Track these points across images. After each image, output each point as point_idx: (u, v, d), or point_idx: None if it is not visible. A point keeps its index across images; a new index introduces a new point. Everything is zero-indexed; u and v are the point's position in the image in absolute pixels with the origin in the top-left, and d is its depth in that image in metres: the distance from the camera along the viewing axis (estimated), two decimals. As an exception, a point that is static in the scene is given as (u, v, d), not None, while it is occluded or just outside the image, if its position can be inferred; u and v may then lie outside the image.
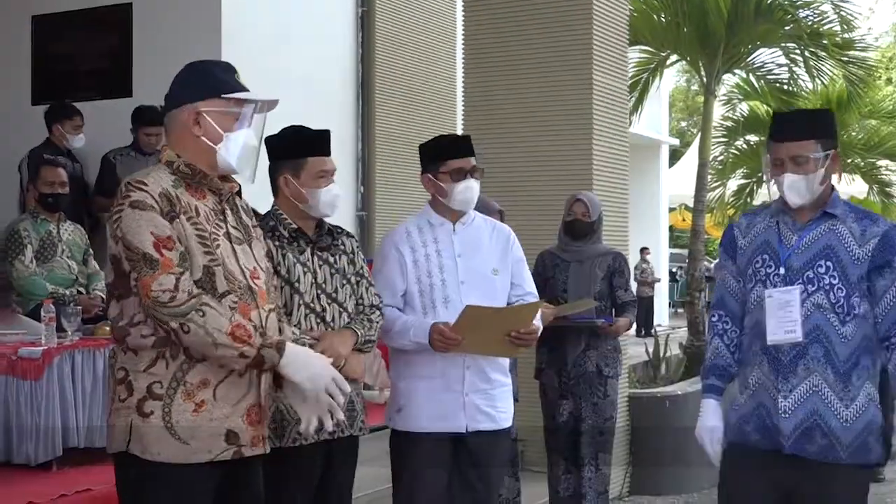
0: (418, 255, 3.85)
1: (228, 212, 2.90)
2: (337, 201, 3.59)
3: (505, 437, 4.05)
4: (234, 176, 2.94)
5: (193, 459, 2.70)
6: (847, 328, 3.16)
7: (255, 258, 2.90)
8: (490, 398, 3.89)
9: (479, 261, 3.90)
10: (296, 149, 3.53)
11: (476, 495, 3.88)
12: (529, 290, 4.03)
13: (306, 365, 2.78)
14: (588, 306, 5.33)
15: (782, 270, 3.23)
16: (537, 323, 3.86)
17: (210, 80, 2.85)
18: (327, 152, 3.58)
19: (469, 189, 3.86)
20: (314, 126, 3.62)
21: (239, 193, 3.00)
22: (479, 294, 3.82)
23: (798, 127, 3.27)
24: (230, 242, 2.83)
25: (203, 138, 2.82)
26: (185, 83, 2.87)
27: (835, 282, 3.17)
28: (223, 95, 2.82)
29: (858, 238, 3.20)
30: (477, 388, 3.85)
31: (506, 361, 4.03)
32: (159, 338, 2.69)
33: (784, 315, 3.17)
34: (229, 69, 2.91)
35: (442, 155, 3.88)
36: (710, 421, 3.35)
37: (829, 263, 3.18)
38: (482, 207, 4.61)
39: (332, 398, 2.81)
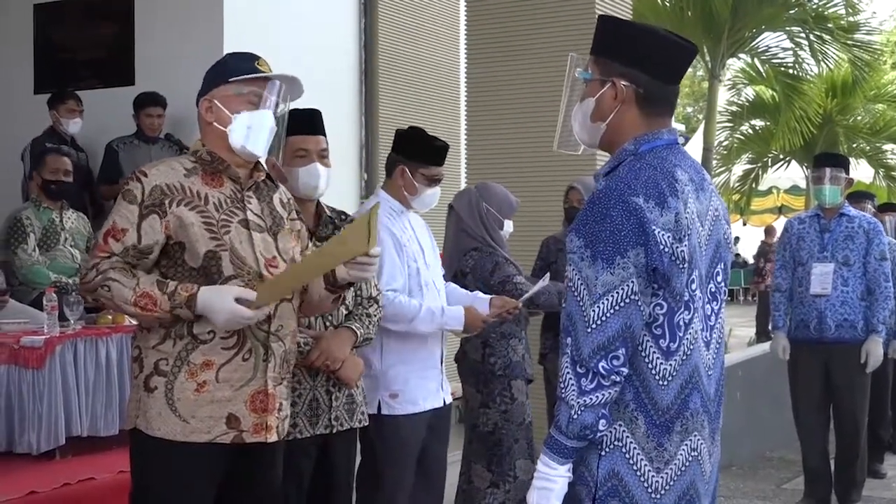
0: (403, 238, 3.88)
1: (254, 200, 2.91)
2: (319, 181, 3.43)
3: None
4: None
5: (192, 438, 2.75)
6: None
7: (279, 248, 2.90)
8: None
9: (429, 247, 4.04)
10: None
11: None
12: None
13: (220, 310, 2.70)
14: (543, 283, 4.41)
15: None
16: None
17: (221, 69, 2.91)
18: (308, 131, 3.42)
19: (436, 196, 3.99)
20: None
21: (272, 181, 3.01)
22: (438, 278, 4.03)
23: None
24: (247, 229, 2.84)
25: (215, 123, 2.87)
26: (204, 78, 2.93)
27: None
28: (230, 80, 2.86)
29: None
30: (441, 362, 4.04)
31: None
32: None
33: None
34: (247, 57, 2.92)
35: (428, 158, 3.93)
36: None
37: None
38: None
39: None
